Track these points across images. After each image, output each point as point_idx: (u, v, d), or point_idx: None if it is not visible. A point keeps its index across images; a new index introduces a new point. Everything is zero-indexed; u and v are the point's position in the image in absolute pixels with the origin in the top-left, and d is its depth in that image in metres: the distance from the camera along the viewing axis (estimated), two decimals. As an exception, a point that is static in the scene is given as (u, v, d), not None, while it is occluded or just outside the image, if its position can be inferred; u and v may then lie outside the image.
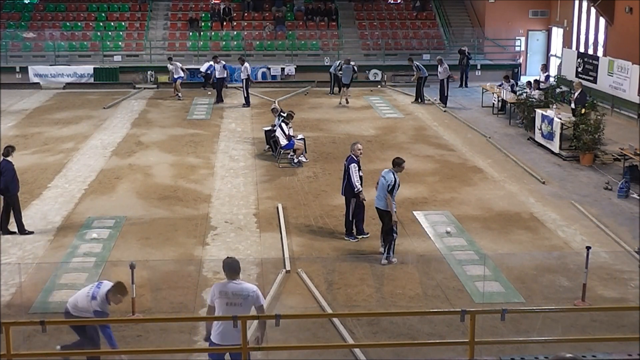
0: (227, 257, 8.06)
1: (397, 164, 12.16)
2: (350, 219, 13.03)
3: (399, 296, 10.87)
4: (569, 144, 18.62)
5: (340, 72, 26.45)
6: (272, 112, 19.78)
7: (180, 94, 26.79)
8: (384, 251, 12.09)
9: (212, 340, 7.76)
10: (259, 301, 7.73)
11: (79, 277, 11.42)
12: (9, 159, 13.23)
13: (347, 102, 25.67)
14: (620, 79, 23.40)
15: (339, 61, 27.49)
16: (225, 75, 26.68)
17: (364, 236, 13.08)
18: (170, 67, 27.32)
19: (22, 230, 13.24)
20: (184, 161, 18.21)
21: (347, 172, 12.81)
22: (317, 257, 12.33)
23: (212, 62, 26.90)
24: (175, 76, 27.10)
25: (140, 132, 21.25)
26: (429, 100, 26.30)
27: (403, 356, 8.95)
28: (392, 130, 21.79)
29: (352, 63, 26.44)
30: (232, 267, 7.81)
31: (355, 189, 12.71)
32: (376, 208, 12.24)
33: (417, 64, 26.40)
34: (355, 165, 12.72)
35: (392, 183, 11.89)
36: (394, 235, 12.03)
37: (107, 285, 8.49)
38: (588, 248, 10.74)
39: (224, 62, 26.49)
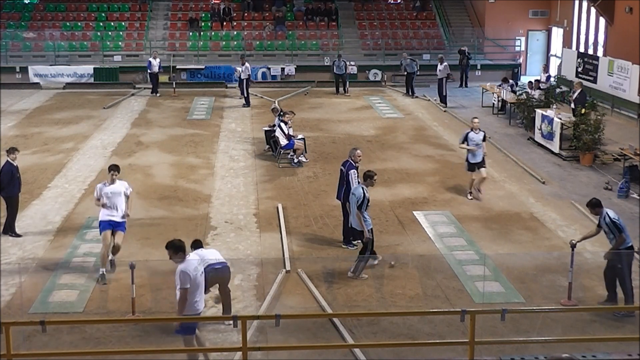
0: (174, 240, 8.75)
1: (369, 177, 11.56)
2: (350, 226, 12.25)
3: (399, 296, 10.88)
4: (569, 144, 18.62)
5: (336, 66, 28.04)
6: (272, 112, 19.79)
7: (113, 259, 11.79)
8: (354, 267, 11.46)
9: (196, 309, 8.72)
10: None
11: (79, 277, 11.43)
12: (9, 159, 13.20)
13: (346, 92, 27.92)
14: (620, 79, 23.39)
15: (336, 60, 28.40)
16: (247, 76, 25.35)
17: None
18: (105, 191, 11.56)
19: (8, 231, 13.04)
20: (184, 161, 18.21)
21: (345, 178, 12.54)
22: (317, 257, 12.33)
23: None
24: (121, 197, 11.77)
25: (140, 132, 21.24)
26: (405, 94, 27.26)
27: (403, 356, 8.95)
28: (392, 130, 21.79)
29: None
30: (179, 247, 8.64)
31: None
32: (352, 228, 11.79)
33: (403, 60, 28.01)
34: (355, 171, 12.49)
35: (361, 199, 11.32)
36: (368, 252, 11.51)
37: None
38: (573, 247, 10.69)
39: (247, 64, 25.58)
